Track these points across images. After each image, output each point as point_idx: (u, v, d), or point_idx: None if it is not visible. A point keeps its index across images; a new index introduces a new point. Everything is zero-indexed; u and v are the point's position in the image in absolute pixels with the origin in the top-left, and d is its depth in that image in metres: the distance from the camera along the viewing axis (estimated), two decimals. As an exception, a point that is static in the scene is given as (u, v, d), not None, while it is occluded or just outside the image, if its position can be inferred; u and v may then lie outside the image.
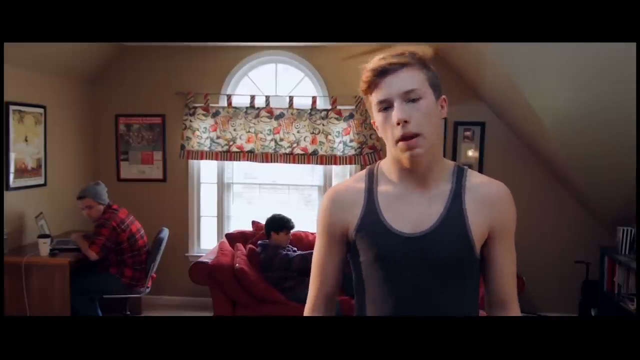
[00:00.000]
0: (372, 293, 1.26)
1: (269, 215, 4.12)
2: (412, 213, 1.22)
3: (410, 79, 1.18)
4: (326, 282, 1.33)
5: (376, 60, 1.21)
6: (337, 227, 1.29)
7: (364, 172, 1.33)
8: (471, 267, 1.24)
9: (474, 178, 1.27)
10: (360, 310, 1.31)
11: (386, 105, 1.19)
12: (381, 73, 1.18)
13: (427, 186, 1.24)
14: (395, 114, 1.16)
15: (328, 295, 1.34)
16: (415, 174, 1.23)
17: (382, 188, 1.27)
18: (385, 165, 1.29)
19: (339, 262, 1.32)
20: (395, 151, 1.20)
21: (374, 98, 1.21)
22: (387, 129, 1.20)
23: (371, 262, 1.24)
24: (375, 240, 1.23)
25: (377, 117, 1.22)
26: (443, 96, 1.25)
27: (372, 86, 1.20)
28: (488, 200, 1.23)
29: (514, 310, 1.27)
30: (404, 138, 1.16)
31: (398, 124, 1.16)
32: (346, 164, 4.53)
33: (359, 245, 1.26)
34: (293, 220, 4.14)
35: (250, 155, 4.57)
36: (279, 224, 4.03)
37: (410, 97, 1.17)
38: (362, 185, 1.29)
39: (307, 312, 1.36)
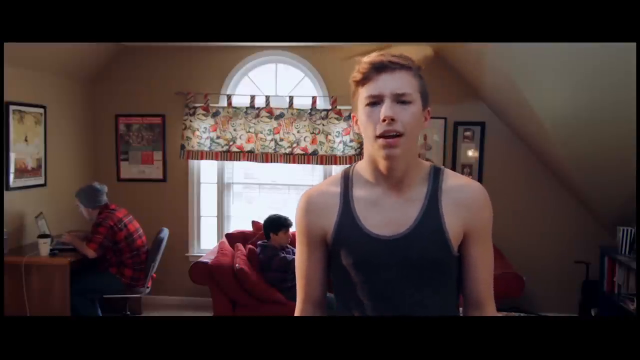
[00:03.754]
0: (352, 296, 1.26)
1: (266, 217, 4.11)
2: (389, 216, 1.22)
3: (404, 81, 1.18)
4: (312, 290, 1.32)
5: (375, 55, 1.20)
6: (314, 233, 1.28)
7: (338, 175, 1.32)
8: (449, 267, 1.24)
9: (450, 179, 1.26)
10: (342, 312, 1.31)
11: (375, 101, 1.18)
12: (378, 68, 1.18)
13: (403, 188, 1.23)
14: (384, 111, 1.15)
15: (315, 303, 1.33)
16: (390, 175, 1.22)
17: (358, 191, 1.26)
18: (361, 167, 1.28)
19: (322, 268, 1.31)
20: (373, 149, 1.20)
21: (365, 91, 1.20)
22: (369, 125, 1.19)
23: (350, 266, 1.24)
24: (353, 244, 1.23)
25: (361, 111, 1.21)
26: (429, 108, 1.26)
27: (366, 79, 1.19)
28: (464, 202, 1.23)
29: (490, 311, 1.27)
30: (386, 136, 1.16)
31: (384, 120, 1.15)
32: (346, 164, 4.53)
33: (338, 250, 1.25)
34: (293, 220, 4.14)
35: (250, 155, 4.57)
36: (276, 224, 4.02)
37: (401, 99, 1.17)
38: (336, 189, 1.28)
39: None
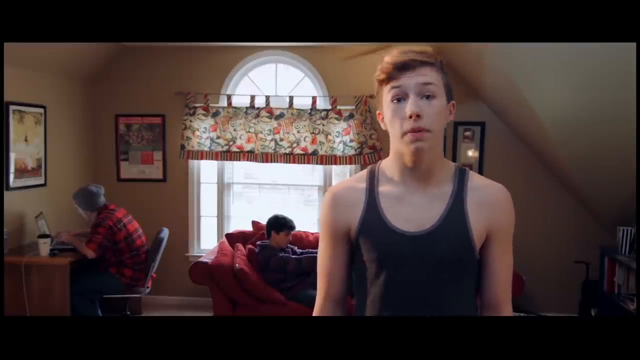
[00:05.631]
0: (372, 292, 1.26)
1: (271, 215, 4.13)
2: (413, 212, 1.22)
3: (429, 77, 1.19)
4: (333, 287, 1.32)
5: (398, 54, 1.21)
6: (339, 228, 1.28)
7: (364, 171, 1.32)
8: (470, 266, 1.25)
9: (475, 180, 1.27)
10: (359, 309, 1.31)
11: (400, 97, 1.19)
12: (401, 67, 1.19)
13: (428, 186, 1.24)
14: (410, 107, 1.17)
15: (336, 301, 1.33)
16: (417, 172, 1.23)
17: (383, 188, 1.27)
18: (387, 164, 1.29)
19: (344, 265, 1.31)
20: (400, 145, 1.21)
21: (389, 89, 1.21)
22: (395, 121, 1.20)
23: (372, 261, 1.24)
24: (377, 240, 1.23)
25: (387, 109, 1.22)
26: (453, 101, 1.26)
27: (389, 78, 1.21)
28: (488, 202, 1.24)
29: (506, 313, 1.28)
30: (413, 131, 1.17)
31: (410, 116, 1.16)
32: (346, 164, 4.53)
33: (361, 245, 1.25)
34: (294, 220, 4.14)
35: (250, 155, 4.57)
36: (280, 223, 4.04)
37: (425, 94, 1.18)
38: (362, 185, 1.29)
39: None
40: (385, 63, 1.22)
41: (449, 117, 1.25)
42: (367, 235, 1.24)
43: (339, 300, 1.33)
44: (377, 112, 1.29)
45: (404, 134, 1.18)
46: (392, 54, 1.22)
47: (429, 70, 1.20)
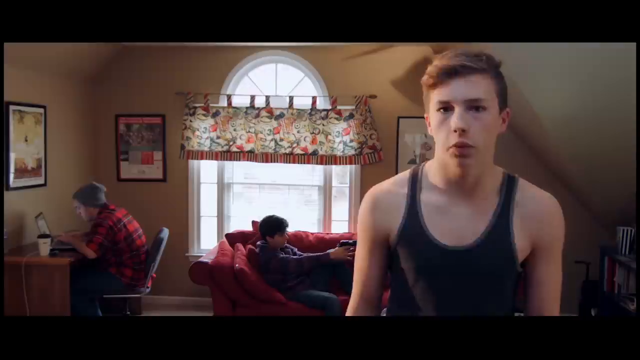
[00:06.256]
0: (407, 297, 1.24)
1: (262, 218, 4.07)
2: (456, 225, 1.17)
3: (479, 87, 1.09)
4: (368, 288, 1.29)
5: (447, 58, 1.11)
6: (378, 232, 1.24)
7: (406, 174, 1.26)
8: (511, 280, 1.21)
9: (524, 191, 1.21)
10: (391, 310, 1.30)
11: (446, 106, 1.11)
12: (450, 73, 1.09)
13: (474, 198, 1.19)
14: (455, 121, 1.09)
15: (370, 301, 1.30)
16: (462, 184, 1.17)
17: (426, 196, 1.21)
18: (431, 169, 1.22)
19: (381, 267, 1.28)
20: (444, 156, 1.13)
21: (436, 96, 1.12)
22: (441, 131, 1.13)
23: (409, 270, 1.22)
24: (416, 250, 1.20)
25: (433, 116, 1.15)
26: (507, 109, 1.18)
27: (437, 84, 1.11)
28: (536, 217, 1.19)
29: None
30: (458, 146, 1.09)
31: (455, 131, 1.09)
32: (346, 164, 4.53)
33: (399, 252, 1.22)
34: (293, 220, 4.13)
35: (250, 155, 4.57)
36: (270, 227, 3.98)
37: (474, 105, 1.09)
38: (404, 190, 1.23)
39: (348, 314, 1.33)
40: (433, 66, 1.12)
41: (502, 127, 1.17)
42: (406, 245, 1.20)
43: (373, 300, 1.31)
44: (425, 115, 1.20)
45: (448, 147, 1.11)
46: (443, 56, 1.13)
47: (481, 78, 1.10)
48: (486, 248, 1.16)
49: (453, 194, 1.18)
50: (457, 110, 1.09)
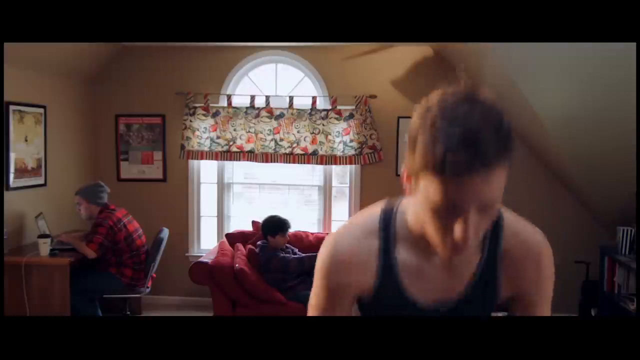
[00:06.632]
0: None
1: (265, 217, 4.09)
2: (439, 283, 1.05)
3: (498, 183, 0.84)
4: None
5: (457, 132, 0.80)
6: (343, 290, 1.08)
7: (375, 222, 1.05)
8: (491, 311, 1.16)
9: (510, 236, 1.06)
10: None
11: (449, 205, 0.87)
12: (460, 169, 0.80)
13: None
14: (460, 234, 0.87)
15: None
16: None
17: (402, 250, 1.03)
18: (408, 215, 1.02)
19: (347, 312, 1.13)
20: (435, 235, 0.93)
21: (435, 184, 0.84)
22: (433, 219, 0.90)
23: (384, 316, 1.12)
24: (393, 309, 1.08)
25: (424, 186, 0.87)
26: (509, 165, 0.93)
27: (435, 167, 0.82)
28: (526, 266, 1.08)
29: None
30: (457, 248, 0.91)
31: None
32: (346, 164, 4.54)
33: (372, 308, 1.11)
34: (293, 220, 4.13)
35: (250, 155, 4.57)
36: (273, 227, 4.00)
37: (484, 207, 0.86)
38: (375, 242, 1.04)
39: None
40: (435, 135, 0.81)
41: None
42: (381, 305, 1.08)
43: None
44: (403, 168, 0.93)
45: (443, 241, 0.92)
46: (444, 111, 0.82)
47: (500, 172, 0.82)
48: (470, 304, 1.09)
49: (434, 253, 1.01)
50: (466, 215, 0.85)
